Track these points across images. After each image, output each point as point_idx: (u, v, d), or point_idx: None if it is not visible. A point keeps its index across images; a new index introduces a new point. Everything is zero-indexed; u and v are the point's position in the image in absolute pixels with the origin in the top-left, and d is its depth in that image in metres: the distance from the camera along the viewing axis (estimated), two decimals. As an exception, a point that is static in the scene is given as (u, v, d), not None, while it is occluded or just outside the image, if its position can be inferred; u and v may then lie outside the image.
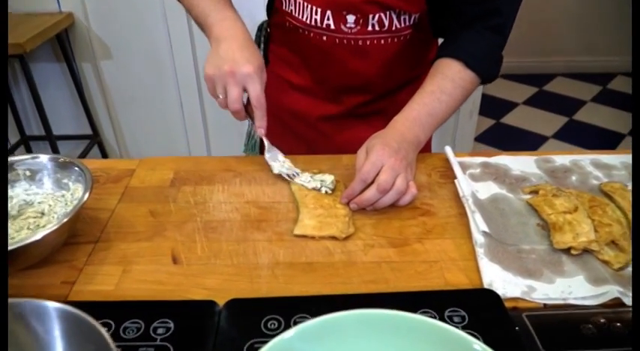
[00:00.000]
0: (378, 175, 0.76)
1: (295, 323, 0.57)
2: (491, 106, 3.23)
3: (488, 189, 0.82)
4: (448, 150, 0.89)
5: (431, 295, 0.62)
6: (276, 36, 1.05)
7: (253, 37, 0.98)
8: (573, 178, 0.85)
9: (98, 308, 0.60)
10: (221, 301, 0.61)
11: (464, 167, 0.86)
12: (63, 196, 0.76)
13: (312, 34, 0.93)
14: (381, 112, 1.04)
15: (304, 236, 0.73)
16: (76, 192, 0.75)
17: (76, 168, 0.75)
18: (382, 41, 0.92)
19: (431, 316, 0.58)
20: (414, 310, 0.58)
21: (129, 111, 2.47)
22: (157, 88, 2.37)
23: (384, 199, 0.76)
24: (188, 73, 2.31)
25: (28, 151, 2.49)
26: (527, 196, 0.81)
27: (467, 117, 2.39)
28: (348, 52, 0.93)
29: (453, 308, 0.60)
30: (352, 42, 0.92)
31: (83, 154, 2.38)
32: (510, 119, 3.19)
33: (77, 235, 0.74)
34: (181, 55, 2.27)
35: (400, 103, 1.03)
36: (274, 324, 0.57)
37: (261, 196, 0.82)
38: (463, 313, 0.59)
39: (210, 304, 0.60)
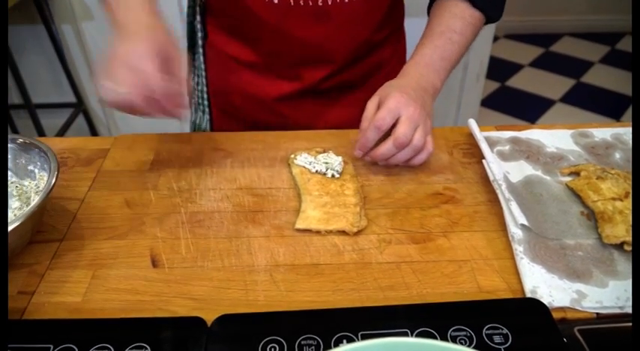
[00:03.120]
0: (395, 126, 0.66)
1: (300, 347, 0.47)
2: (496, 69, 3.06)
3: (520, 170, 0.70)
4: (472, 124, 0.77)
5: (464, 306, 0.51)
6: (214, 4, 0.87)
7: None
8: (617, 155, 0.74)
9: (59, 328, 0.49)
10: (210, 317, 0.50)
11: (491, 144, 0.74)
12: (28, 184, 0.64)
13: None
14: (347, 85, 0.90)
15: (308, 230, 0.62)
16: (42, 181, 0.63)
17: (38, 150, 0.63)
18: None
19: (467, 336, 0.47)
20: (444, 329, 0.48)
21: (115, 76, 2.31)
22: (143, 51, 2.22)
23: (398, 156, 0.67)
24: (176, 33, 2.14)
25: (9, 121, 2.35)
26: (567, 179, 0.69)
27: (473, 80, 2.25)
28: (306, 17, 0.78)
29: (492, 324, 0.49)
30: (310, 3, 0.77)
31: (67, 124, 2.24)
32: (516, 82, 3.04)
33: (40, 231, 0.62)
34: (169, 14, 2.10)
35: (369, 72, 0.90)
36: (275, 348, 0.47)
37: (256, 180, 0.70)
38: (505, 330, 0.48)
39: (196, 322, 0.49)
